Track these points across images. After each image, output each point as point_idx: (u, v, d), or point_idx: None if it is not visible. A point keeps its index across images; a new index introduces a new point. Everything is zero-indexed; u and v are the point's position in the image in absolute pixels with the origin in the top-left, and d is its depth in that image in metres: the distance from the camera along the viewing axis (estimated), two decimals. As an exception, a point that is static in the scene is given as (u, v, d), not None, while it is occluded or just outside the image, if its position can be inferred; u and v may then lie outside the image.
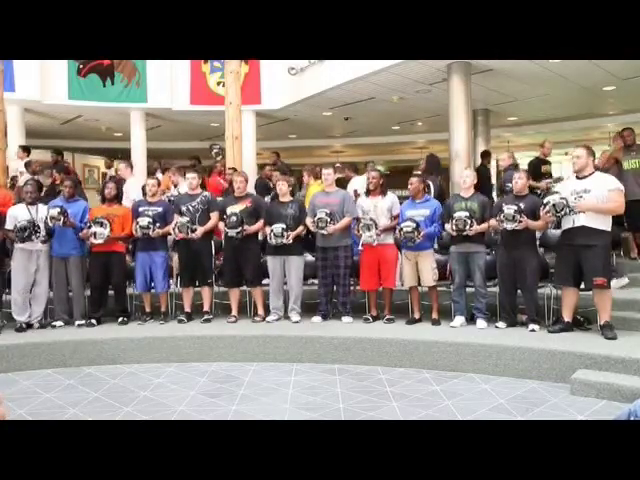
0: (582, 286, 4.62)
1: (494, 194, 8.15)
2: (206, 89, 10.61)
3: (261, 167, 9.64)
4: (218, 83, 10.38)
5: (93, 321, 5.52)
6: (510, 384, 4.14)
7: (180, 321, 5.58)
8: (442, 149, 11.77)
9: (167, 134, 13.30)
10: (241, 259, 5.53)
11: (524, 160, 11.32)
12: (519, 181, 5.02)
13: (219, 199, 6.14)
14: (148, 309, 5.74)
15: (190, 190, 5.74)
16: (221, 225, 5.55)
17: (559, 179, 7.40)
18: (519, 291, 5.01)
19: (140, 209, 5.63)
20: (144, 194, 6.26)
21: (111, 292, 5.72)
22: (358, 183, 7.32)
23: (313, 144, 15.58)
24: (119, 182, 6.46)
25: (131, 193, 6.79)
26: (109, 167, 11.70)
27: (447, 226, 5.13)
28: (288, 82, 10.08)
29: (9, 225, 5.41)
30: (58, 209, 5.36)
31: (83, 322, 5.53)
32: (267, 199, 6.72)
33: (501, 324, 4.98)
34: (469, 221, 4.95)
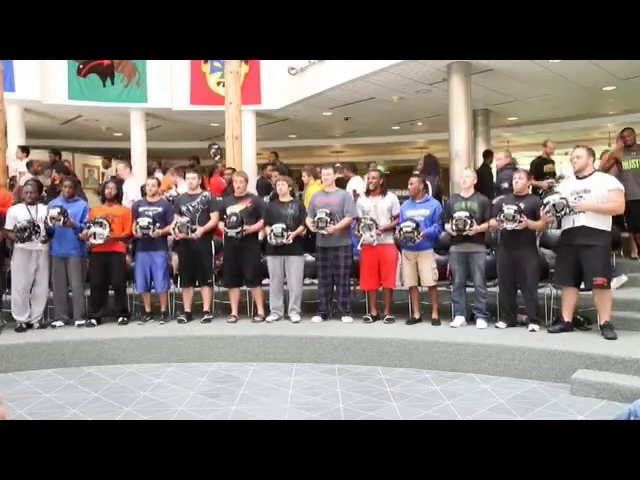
0: (582, 286, 4.62)
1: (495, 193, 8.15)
2: (206, 89, 10.61)
3: (262, 167, 9.63)
4: (218, 83, 10.38)
5: (93, 321, 5.52)
6: (510, 384, 4.14)
7: (180, 321, 5.58)
8: (442, 149, 11.78)
9: (167, 134, 13.30)
10: (241, 259, 5.53)
11: (524, 160, 11.34)
12: (519, 181, 5.02)
13: (219, 199, 6.14)
14: (148, 309, 5.74)
15: (190, 190, 5.74)
16: (221, 225, 5.55)
17: (561, 177, 7.40)
18: (519, 291, 5.01)
19: (140, 209, 5.63)
20: (143, 194, 6.26)
21: (111, 292, 5.72)
22: (357, 183, 7.33)
23: (313, 144, 15.58)
24: (119, 182, 6.46)
25: (130, 193, 6.79)
26: (107, 167, 11.70)
27: (447, 226, 5.13)
28: (288, 82, 10.08)
29: (9, 225, 5.41)
30: (58, 209, 5.36)
31: (83, 322, 5.54)
32: (266, 199, 6.72)
33: (501, 324, 4.98)
34: (469, 221, 4.95)
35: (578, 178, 4.64)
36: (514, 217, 4.73)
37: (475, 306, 5.15)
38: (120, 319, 5.58)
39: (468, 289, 5.22)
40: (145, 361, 4.96)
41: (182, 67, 10.48)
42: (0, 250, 5.58)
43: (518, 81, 8.84)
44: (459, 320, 5.14)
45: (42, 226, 5.39)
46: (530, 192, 5.34)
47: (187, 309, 5.71)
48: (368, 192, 5.60)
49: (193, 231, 5.45)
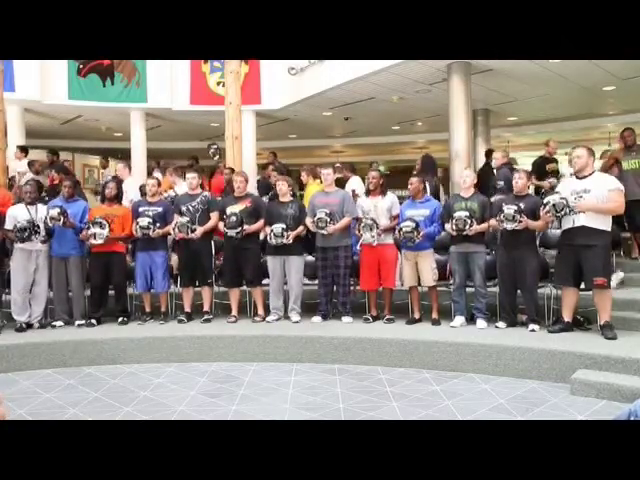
0: (582, 286, 4.62)
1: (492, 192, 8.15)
2: (206, 89, 10.61)
3: (263, 167, 9.63)
4: (218, 83, 10.38)
5: (93, 321, 5.52)
6: (510, 384, 4.14)
7: (180, 321, 5.58)
8: (442, 149, 11.77)
9: (167, 134, 13.30)
10: (241, 259, 5.53)
11: (524, 160, 11.35)
12: (519, 181, 5.01)
13: (219, 199, 6.14)
14: (148, 309, 5.74)
15: (190, 190, 5.74)
16: (221, 225, 5.55)
17: (563, 175, 7.40)
18: (519, 291, 5.01)
19: (140, 209, 5.63)
20: (142, 194, 6.26)
21: (111, 292, 5.72)
22: (356, 183, 7.33)
23: (313, 144, 15.59)
24: (120, 182, 6.45)
25: (129, 193, 6.79)
26: (104, 167, 11.70)
27: (447, 226, 5.13)
28: (288, 82, 10.08)
29: (8, 225, 5.41)
30: (58, 209, 5.36)
31: (83, 322, 5.54)
32: (265, 199, 6.72)
33: (501, 324, 4.98)
34: (469, 221, 4.95)
35: (578, 178, 4.64)
36: (514, 217, 4.73)
37: (475, 306, 5.15)
38: (120, 319, 5.58)
39: (468, 289, 5.22)
40: (145, 361, 4.95)
41: (182, 67, 10.49)
42: (0, 250, 5.59)
43: (518, 81, 8.85)
44: (459, 320, 5.14)
45: (42, 226, 5.39)
46: (532, 192, 5.33)
47: (187, 309, 5.71)
48: (368, 192, 5.60)
49: (193, 231, 5.45)
